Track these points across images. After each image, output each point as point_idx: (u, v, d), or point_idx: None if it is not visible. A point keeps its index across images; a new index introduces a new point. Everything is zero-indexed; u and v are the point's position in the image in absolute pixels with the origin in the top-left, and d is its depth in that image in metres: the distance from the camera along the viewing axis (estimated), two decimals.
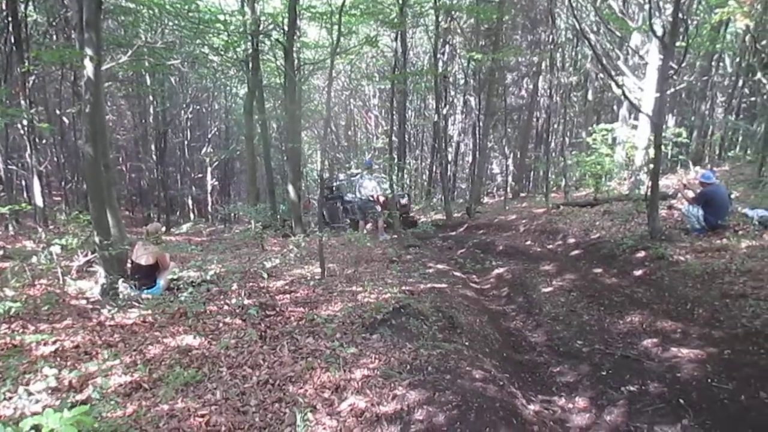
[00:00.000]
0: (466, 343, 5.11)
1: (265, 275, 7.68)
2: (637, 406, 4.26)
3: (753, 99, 23.14)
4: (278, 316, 5.80)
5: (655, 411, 4.14)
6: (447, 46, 22.93)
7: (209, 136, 30.88)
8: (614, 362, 5.10)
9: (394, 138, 19.45)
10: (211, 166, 28.40)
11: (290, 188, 13.92)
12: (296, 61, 16.42)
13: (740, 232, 8.42)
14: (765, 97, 19.74)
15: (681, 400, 4.20)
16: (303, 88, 21.47)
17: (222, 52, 16.21)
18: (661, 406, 4.18)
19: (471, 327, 5.82)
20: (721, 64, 23.09)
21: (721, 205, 8.85)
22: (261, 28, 14.60)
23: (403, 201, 15.94)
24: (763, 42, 19.75)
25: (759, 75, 19.30)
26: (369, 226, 12.95)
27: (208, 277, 6.70)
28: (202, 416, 3.56)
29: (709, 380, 4.46)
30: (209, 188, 28.81)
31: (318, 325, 5.39)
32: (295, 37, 14.20)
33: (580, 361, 5.29)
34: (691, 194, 9.26)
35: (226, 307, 5.96)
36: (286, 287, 7.27)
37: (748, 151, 19.79)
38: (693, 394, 4.27)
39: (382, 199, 12.72)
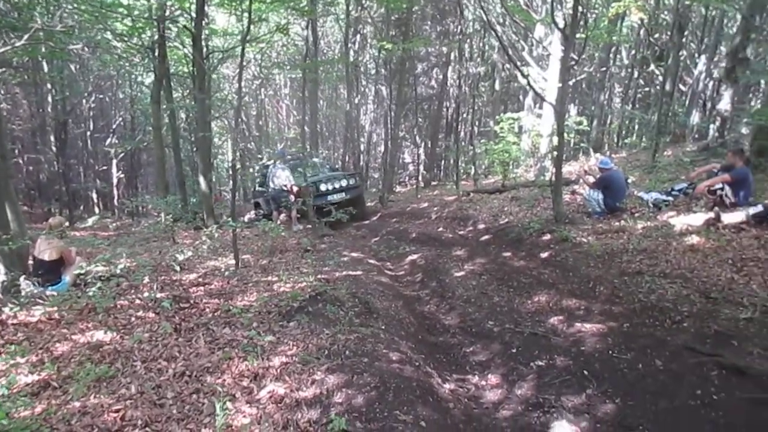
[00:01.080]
0: (383, 327, 5.21)
1: (178, 268, 7.51)
2: (546, 379, 4.49)
3: (647, 89, 24.50)
4: (193, 308, 5.70)
5: (561, 383, 4.38)
6: (358, 36, 22.96)
7: (114, 126, 29.62)
8: (524, 340, 5.33)
9: (306, 128, 19.34)
10: (117, 158, 27.28)
11: (201, 180, 13.60)
12: (205, 49, 15.97)
13: (636, 214, 8.94)
14: (658, 87, 20.91)
15: (585, 372, 4.46)
16: (213, 77, 20.98)
17: (126, 39, 15.53)
18: (567, 378, 4.42)
19: (387, 312, 5.93)
20: (618, 56, 24.25)
21: (619, 189, 9.37)
22: (167, 13, 14.12)
23: (344, 183, 14.51)
24: (656, 35, 20.91)
25: (652, 66, 20.44)
26: (283, 216, 12.84)
27: (118, 271, 6.47)
28: (117, 411, 3.48)
29: (610, 352, 4.75)
30: (115, 181, 27.66)
31: (234, 316, 5.34)
32: (203, 24, 13.82)
33: (491, 341, 5.49)
34: (591, 179, 9.75)
35: (138, 301, 5.80)
36: (200, 279, 7.15)
37: (644, 139, 20.92)
38: (596, 365, 4.54)
39: (295, 188, 12.64)
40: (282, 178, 12.73)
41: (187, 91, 20.50)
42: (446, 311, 6.66)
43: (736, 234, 7.17)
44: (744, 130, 14.34)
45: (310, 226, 12.07)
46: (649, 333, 5.08)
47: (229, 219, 8.35)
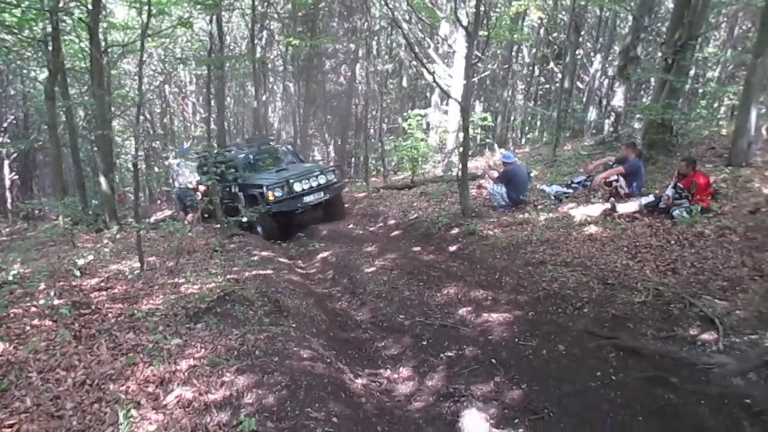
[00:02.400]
0: (293, 325, 5.15)
1: (78, 273, 7.15)
2: (456, 369, 4.58)
3: (548, 86, 25.45)
4: (94, 314, 5.43)
5: (471, 372, 4.48)
6: (264, 32, 22.63)
7: (5, 125, 27.80)
8: (434, 332, 5.42)
9: (213, 126, 18.88)
10: (9, 158, 25.63)
11: (102, 180, 12.98)
12: (103, 43, 15.27)
13: (539, 207, 9.29)
14: (557, 84, 21.77)
15: (493, 360, 4.59)
16: (112, 73, 20.10)
17: (16, 31, 14.64)
18: (476, 367, 4.53)
19: (297, 310, 5.87)
20: (519, 54, 25.07)
21: (522, 182, 9.70)
22: (61, 4, 13.40)
23: (322, 180, 11.71)
24: (555, 34, 21.75)
25: (551, 64, 21.24)
26: (190, 216, 12.46)
27: (10, 278, 6.10)
28: (11, 426, 3.27)
29: (517, 340, 4.92)
30: (8, 183, 25.99)
31: (139, 320, 5.12)
32: (100, 17, 13.21)
33: (402, 334, 5.54)
34: (495, 174, 10.04)
35: (33, 309, 5.46)
36: (102, 284, 6.82)
37: (545, 134, 21.72)
38: (503, 353, 4.68)
39: (202, 187, 12.26)
40: (186, 176, 12.29)
41: (86, 87, 19.57)
42: (358, 307, 6.67)
43: (630, 223, 7.60)
44: (636, 125, 15.16)
45: (218, 225, 11.77)
46: (553, 320, 5.31)
47: (132, 221, 8.01)
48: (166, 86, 30.15)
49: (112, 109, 15.72)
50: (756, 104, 9.30)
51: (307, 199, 11.40)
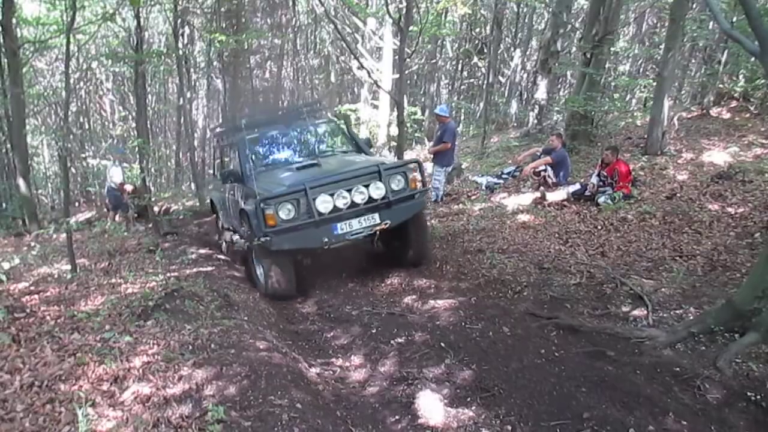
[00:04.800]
0: (245, 319, 5.19)
1: (3, 277, 6.88)
2: (407, 354, 4.73)
3: (471, 81, 26.02)
4: (30, 317, 5.26)
5: (422, 356, 4.63)
6: (186, 27, 22.13)
7: None
8: (382, 320, 5.54)
9: (132, 123, 18.34)
10: None
11: (21, 182, 12.43)
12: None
13: (473, 197, 9.60)
14: (481, 79, 22.32)
15: (442, 344, 4.75)
16: (24, 71, 19.18)
17: None
18: (426, 351, 4.69)
19: (246, 304, 5.89)
20: (443, 49, 25.51)
21: (456, 136, 10.14)
22: None
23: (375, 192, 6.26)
24: (477, 29, 22.28)
25: (475, 59, 21.76)
26: (118, 217, 12.08)
27: None
28: None
29: (463, 323, 5.10)
30: None
31: (81, 321, 4.99)
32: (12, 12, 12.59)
33: (351, 324, 5.65)
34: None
35: None
36: (32, 288, 6.60)
37: (471, 127, 22.24)
38: (451, 337, 4.85)
39: (129, 187, 11.89)
40: (112, 175, 11.81)
41: None
42: (302, 300, 6.74)
43: (560, 210, 8.01)
44: (556, 117, 15.79)
45: (150, 225, 11.48)
46: (495, 303, 5.55)
47: (51, 225, 7.66)
48: (82, 83, 28.99)
49: (26, 109, 14.93)
50: (668, 96, 9.91)
51: (345, 227, 6.25)
